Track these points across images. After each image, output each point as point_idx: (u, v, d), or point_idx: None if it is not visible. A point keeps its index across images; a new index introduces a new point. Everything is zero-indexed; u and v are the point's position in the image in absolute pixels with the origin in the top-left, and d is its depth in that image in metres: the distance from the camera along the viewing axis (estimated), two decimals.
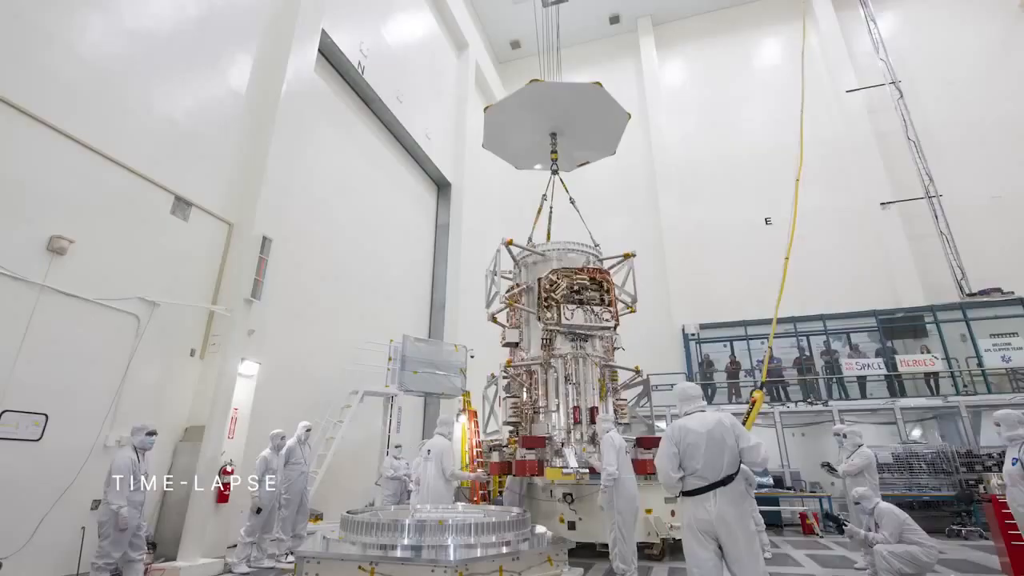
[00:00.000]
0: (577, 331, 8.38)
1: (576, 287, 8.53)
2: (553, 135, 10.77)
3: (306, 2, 9.98)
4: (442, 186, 17.11)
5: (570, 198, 10.51)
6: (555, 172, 10.81)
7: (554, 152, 10.79)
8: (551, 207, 10.42)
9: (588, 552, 6.99)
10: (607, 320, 8.47)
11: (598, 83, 9.69)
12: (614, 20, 21.57)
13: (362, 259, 12.48)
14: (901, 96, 16.52)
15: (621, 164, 20.11)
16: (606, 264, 9.70)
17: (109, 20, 6.81)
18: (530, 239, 9.69)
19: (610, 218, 17.86)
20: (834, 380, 13.40)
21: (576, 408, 8.00)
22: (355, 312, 11.87)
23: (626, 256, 9.84)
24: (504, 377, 9.16)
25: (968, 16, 17.26)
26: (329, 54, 11.57)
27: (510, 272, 9.86)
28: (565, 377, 8.26)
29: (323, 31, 10.74)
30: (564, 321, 8.23)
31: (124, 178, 6.75)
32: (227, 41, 8.68)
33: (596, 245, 9.69)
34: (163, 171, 7.25)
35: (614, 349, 9.23)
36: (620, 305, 9.34)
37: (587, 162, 12.06)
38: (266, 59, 9.31)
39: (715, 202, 18.12)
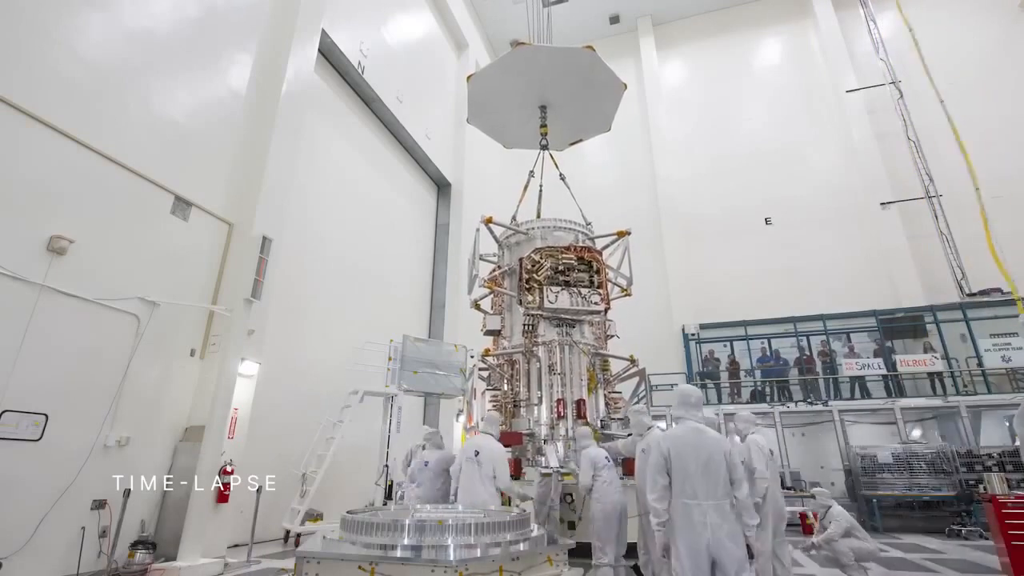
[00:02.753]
0: (562, 316, 7.63)
1: (562, 267, 7.75)
2: (543, 108, 9.96)
3: (306, 2, 9.97)
4: (442, 186, 17.11)
5: (560, 174, 9.77)
6: (544, 147, 10.03)
7: (543, 126, 10.01)
8: (540, 185, 9.63)
9: (588, 552, 6.98)
10: (596, 304, 7.65)
11: (590, 47, 8.87)
12: (614, 20, 21.58)
13: (362, 259, 12.48)
14: (901, 96, 16.52)
15: (621, 162, 20.20)
16: (599, 244, 8.92)
17: (109, 20, 6.81)
18: (514, 218, 8.93)
19: (609, 216, 17.84)
20: (831, 380, 13.41)
21: (560, 401, 7.23)
22: (355, 312, 11.87)
23: (620, 234, 8.92)
24: (483, 368, 8.40)
25: (968, 16, 17.26)
26: (329, 54, 11.57)
27: (494, 255, 9.17)
28: (549, 367, 7.48)
29: (323, 31, 10.74)
30: (547, 304, 7.46)
31: (124, 178, 6.74)
32: (227, 41, 8.68)
33: (588, 224, 8.92)
34: (163, 171, 7.25)
35: (608, 337, 8.50)
36: (616, 289, 8.56)
37: (580, 140, 11.24)
38: (266, 59, 9.31)
39: (716, 202, 18.13)
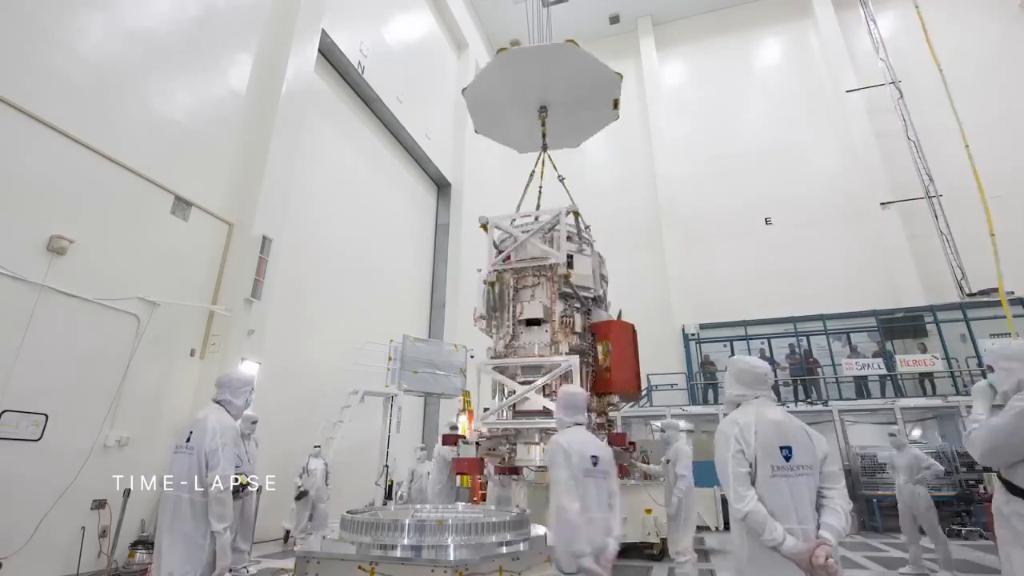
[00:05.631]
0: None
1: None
2: (543, 108, 9.82)
3: (306, 2, 9.98)
4: (442, 186, 17.12)
5: (558, 175, 9.59)
6: (544, 148, 9.94)
7: (544, 126, 9.85)
8: (540, 186, 9.50)
9: None
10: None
11: (572, 41, 8.63)
12: (614, 20, 21.57)
13: (362, 259, 12.48)
14: (901, 96, 16.52)
15: (621, 161, 20.20)
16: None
17: (109, 20, 6.81)
18: (507, 235, 8.48)
19: (608, 216, 17.85)
20: (824, 381, 13.43)
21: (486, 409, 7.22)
22: (355, 312, 11.87)
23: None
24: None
25: (968, 16, 17.26)
26: (329, 54, 11.57)
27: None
28: None
29: (323, 31, 10.74)
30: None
31: (124, 178, 6.74)
32: (227, 41, 8.68)
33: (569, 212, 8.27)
34: (163, 171, 7.25)
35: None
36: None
37: (593, 133, 10.94)
38: (266, 59, 9.31)
39: (716, 202, 18.12)
